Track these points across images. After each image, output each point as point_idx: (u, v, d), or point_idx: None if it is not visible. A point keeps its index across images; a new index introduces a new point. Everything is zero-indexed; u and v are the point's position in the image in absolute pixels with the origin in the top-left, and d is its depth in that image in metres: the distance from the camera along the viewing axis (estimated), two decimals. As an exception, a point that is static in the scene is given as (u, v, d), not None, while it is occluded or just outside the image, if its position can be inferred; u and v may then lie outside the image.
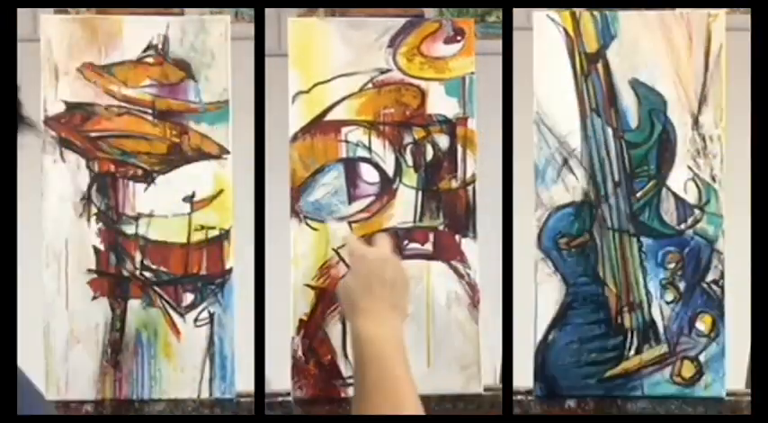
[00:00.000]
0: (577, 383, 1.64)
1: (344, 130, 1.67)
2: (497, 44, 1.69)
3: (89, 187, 1.64)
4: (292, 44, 1.67)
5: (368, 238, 1.62)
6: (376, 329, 1.44)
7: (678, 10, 1.65)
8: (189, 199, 1.65)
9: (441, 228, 1.68)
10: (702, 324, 1.64)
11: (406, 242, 1.67)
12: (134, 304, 1.64)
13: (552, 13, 1.65)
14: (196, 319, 1.65)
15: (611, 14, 1.65)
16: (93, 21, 1.65)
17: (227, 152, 1.66)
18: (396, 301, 1.50)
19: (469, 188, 1.67)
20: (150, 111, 1.65)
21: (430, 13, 1.73)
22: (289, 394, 1.66)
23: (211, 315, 1.65)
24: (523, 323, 1.66)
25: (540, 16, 1.66)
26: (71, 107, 1.64)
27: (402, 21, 1.68)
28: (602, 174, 1.64)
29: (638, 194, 1.64)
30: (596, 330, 1.63)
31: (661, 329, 1.63)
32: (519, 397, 1.65)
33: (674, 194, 1.64)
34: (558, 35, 1.65)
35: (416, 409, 1.38)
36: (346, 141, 1.67)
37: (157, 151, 1.65)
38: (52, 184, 1.63)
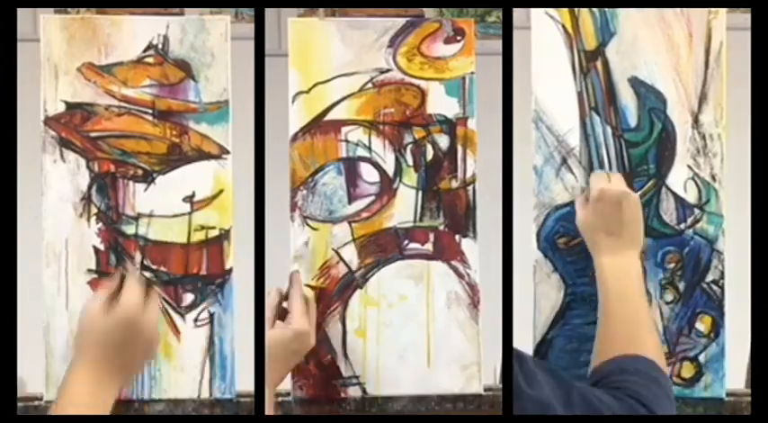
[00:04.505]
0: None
1: (344, 129, 1.67)
2: (497, 44, 1.69)
3: (89, 187, 1.64)
4: (292, 44, 1.67)
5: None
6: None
7: (678, 8, 1.64)
8: (189, 199, 1.65)
9: (441, 228, 1.67)
10: (702, 324, 1.63)
11: (406, 242, 1.67)
12: (134, 304, 1.64)
13: (551, 10, 1.65)
14: (196, 319, 1.65)
15: (610, 12, 1.64)
16: (93, 21, 1.66)
17: (227, 152, 1.66)
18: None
19: (469, 188, 1.67)
20: (150, 111, 1.65)
21: (430, 13, 1.73)
22: (289, 394, 1.66)
23: (211, 315, 1.65)
24: (523, 323, 1.65)
25: (538, 13, 1.65)
26: (71, 107, 1.64)
27: (402, 21, 1.68)
28: (601, 173, 1.64)
29: (638, 194, 1.63)
30: (595, 330, 1.62)
31: (660, 330, 1.63)
32: (519, 397, 1.64)
33: (674, 194, 1.63)
34: (557, 32, 1.65)
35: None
36: (346, 141, 1.67)
37: (157, 151, 1.65)
38: (52, 184, 1.64)
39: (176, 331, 1.64)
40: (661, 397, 1.41)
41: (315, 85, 1.67)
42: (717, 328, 1.62)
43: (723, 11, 1.64)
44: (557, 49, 1.64)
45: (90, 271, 1.64)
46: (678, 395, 1.63)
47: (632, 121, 1.64)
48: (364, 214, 1.67)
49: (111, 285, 1.53)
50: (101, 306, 1.48)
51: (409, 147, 1.68)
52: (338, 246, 1.67)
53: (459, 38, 1.69)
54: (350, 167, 1.67)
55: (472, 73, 1.68)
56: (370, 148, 1.67)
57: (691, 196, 1.64)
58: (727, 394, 1.63)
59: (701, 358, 1.63)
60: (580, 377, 1.62)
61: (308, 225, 1.66)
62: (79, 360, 1.46)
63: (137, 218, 1.65)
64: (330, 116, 1.67)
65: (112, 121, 1.65)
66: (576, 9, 1.64)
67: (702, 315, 1.63)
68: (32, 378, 1.66)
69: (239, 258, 1.66)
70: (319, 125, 1.67)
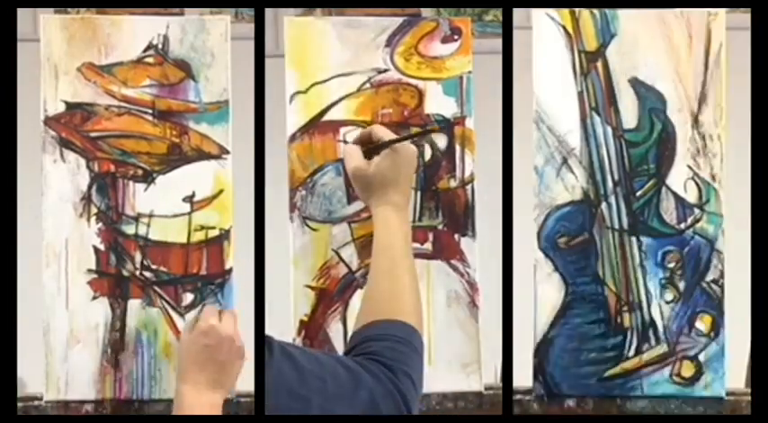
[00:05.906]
0: (577, 383, 1.63)
1: (343, 130, 1.67)
2: (494, 43, 1.69)
3: (89, 187, 1.64)
4: (289, 44, 1.67)
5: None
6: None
7: (678, 9, 1.64)
8: (189, 199, 1.65)
9: (440, 227, 1.68)
10: (702, 324, 1.63)
11: (405, 242, 1.67)
12: (134, 304, 1.64)
13: (552, 11, 1.65)
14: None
15: (610, 13, 1.64)
16: (93, 21, 1.65)
17: (227, 152, 1.66)
18: (408, 193, 1.58)
19: (468, 187, 1.67)
20: (150, 111, 1.65)
21: (427, 12, 1.73)
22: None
23: (211, 315, 1.65)
24: (523, 322, 1.65)
25: (539, 15, 1.65)
26: (71, 107, 1.64)
27: (399, 20, 1.68)
28: (601, 173, 1.64)
29: (638, 194, 1.63)
30: (596, 330, 1.63)
31: (661, 329, 1.63)
32: (519, 396, 1.64)
33: (674, 194, 1.64)
34: (558, 33, 1.65)
35: (417, 312, 1.51)
36: (345, 141, 1.66)
37: (157, 151, 1.65)
38: (52, 184, 1.63)
39: (176, 331, 1.64)
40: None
41: (312, 86, 1.67)
42: (717, 327, 1.63)
43: (723, 13, 1.64)
44: (557, 51, 1.65)
45: (90, 271, 1.64)
46: (678, 394, 1.63)
47: (632, 122, 1.64)
48: (363, 214, 1.67)
49: None
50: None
51: (408, 146, 1.67)
52: (338, 246, 1.67)
53: (456, 37, 1.69)
54: (349, 167, 1.67)
55: (469, 72, 1.68)
56: (369, 148, 1.67)
57: (691, 196, 1.64)
58: (727, 393, 1.64)
59: (701, 357, 1.63)
60: (581, 376, 1.63)
61: (307, 225, 1.66)
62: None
63: (137, 218, 1.65)
64: (328, 116, 1.67)
65: (112, 121, 1.65)
66: (576, 10, 1.64)
67: (702, 314, 1.63)
68: (32, 378, 1.66)
69: (239, 258, 1.66)
70: (317, 125, 1.67)
